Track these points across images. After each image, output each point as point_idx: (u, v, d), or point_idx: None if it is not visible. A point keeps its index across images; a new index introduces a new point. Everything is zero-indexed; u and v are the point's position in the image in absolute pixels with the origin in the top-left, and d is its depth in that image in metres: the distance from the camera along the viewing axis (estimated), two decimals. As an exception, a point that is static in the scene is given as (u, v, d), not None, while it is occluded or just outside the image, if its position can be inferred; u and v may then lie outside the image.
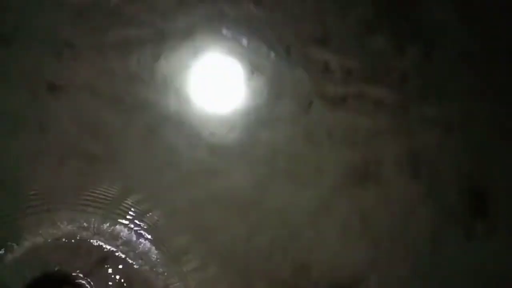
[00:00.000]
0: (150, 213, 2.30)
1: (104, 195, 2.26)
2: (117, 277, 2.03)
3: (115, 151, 2.35)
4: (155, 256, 2.18)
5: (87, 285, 1.95)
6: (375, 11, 3.03)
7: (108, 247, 2.12)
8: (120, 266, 2.07)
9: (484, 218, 2.84)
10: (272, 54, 2.73)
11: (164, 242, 2.28)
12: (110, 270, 2.04)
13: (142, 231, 2.24)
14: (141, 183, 2.35)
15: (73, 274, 1.97)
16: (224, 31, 2.67)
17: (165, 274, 2.12)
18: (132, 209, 2.30)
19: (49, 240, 2.06)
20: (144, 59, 2.52)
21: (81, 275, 1.97)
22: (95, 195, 2.24)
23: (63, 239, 2.08)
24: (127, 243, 2.15)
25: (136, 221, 2.27)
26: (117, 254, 2.11)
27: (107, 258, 2.07)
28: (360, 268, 2.62)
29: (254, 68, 2.69)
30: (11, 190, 2.15)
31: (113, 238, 2.16)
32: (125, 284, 2.03)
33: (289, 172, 2.66)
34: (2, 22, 2.27)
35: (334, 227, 2.61)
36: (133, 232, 2.19)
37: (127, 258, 2.12)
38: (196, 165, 2.47)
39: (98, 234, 2.13)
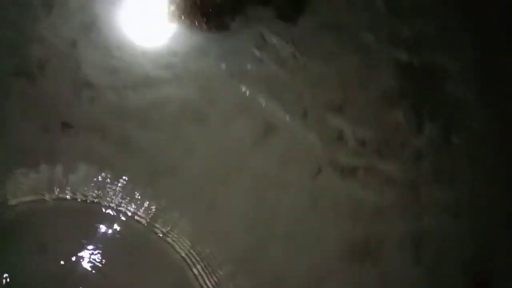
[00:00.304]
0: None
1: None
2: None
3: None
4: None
5: None
6: (397, 85, 3.01)
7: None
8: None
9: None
10: (288, 116, 2.73)
11: None
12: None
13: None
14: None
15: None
16: (243, 88, 2.68)
17: None
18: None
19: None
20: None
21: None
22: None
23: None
24: None
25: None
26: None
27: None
28: None
29: (268, 128, 2.67)
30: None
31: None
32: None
33: (288, 237, 2.60)
34: (28, 58, 2.32)
35: (326, 302, 2.53)
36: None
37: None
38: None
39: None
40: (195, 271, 2.31)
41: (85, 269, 2.13)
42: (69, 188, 2.24)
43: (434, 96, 3.11)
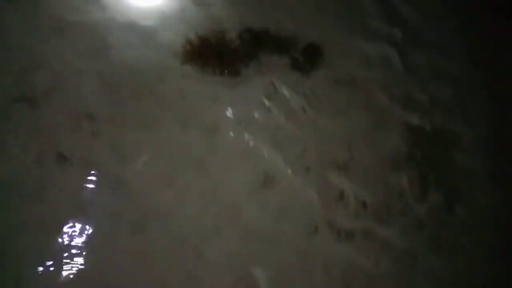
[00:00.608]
0: None
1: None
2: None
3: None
4: None
5: None
6: (405, 149, 2.92)
7: None
8: None
9: None
10: (290, 170, 2.65)
11: None
12: None
13: None
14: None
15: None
16: (248, 136, 2.62)
17: None
18: None
19: None
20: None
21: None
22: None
23: None
24: None
25: None
26: None
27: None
28: None
29: (267, 180, 2.60)
30: None
31: None
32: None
33: (274, 296, 2.50)
34: (33, 84, 2.27)
35: None
36: None
37: None
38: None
39: None
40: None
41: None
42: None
43: (442, 164, 3.03)
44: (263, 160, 2.60)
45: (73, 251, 2.14)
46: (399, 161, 2.86)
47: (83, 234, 2.18)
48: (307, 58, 2.84)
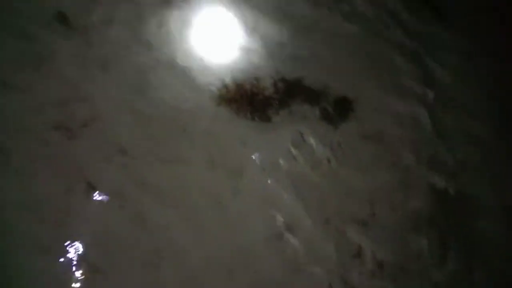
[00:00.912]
0: None
1: None
2: None
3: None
4: None
5: None
6: (428, 211, 2.87)
7: None
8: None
9: None
10: (309, 220, 2.65)
11: None
12: None
13: None
14: None
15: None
16: (271, 182, 2.64)
17: None
18: None
19: None
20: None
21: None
22: None
23: None
24: None
25: None
26: None
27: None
28: None
29: (286, 228, 2.60)
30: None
31: None
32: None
33: None
34: (73, 115, 2.37)
35: None
36: None
37: None
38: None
39: None
40: None
41: None
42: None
43: (463, 229, 2.96)
44: (284, 208, 2.60)
45: (87, 278, 2.18)
46: (421, 222, 2.82)
47: (99, 263, 2.23)
48: (337, 110, 2.87)
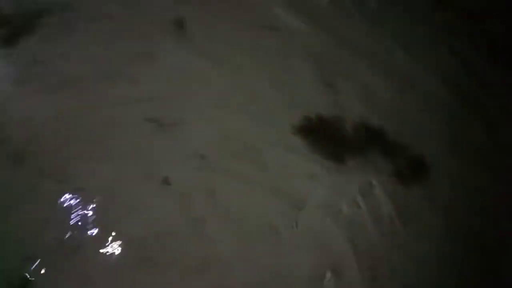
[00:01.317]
0: None
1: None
2: None
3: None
4: None
5: None
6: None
7: None
8: None
9: None
10: (357, 273, 2.58)
11: None
12: None
13: None
14: None
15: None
16: (328, 223, 2.65)
17: None
18: None
19: None
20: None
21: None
22: None
23: None
24: None
25: None
26: None
27: None
28: None
29: (332, 273, 2.56)
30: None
31: None
32: None
33: None
34: (168, 112, 2.59)
35: None
36: None
37: None
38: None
39: None
40: None
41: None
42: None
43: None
44: (335, 253, 2.59)
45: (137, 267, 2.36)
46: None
47: (155, 255, 2.40)
48: (412, 170, 2.82)
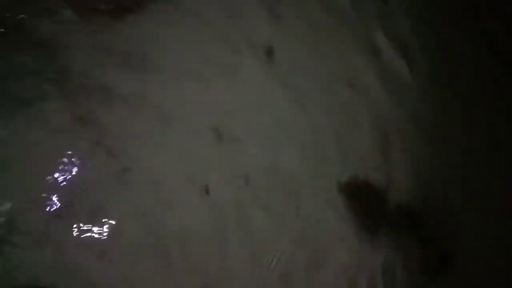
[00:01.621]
0: None
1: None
2: None
3: None
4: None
5: None
6: None
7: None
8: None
9: None
10: None
11: None
12: None
13: None
14: None
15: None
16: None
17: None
18: None
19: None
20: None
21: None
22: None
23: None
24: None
25: None
26: None
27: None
28: None
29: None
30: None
31: None
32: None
33: None
34: (227, 127, 2.66)
35: None
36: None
37: None
38: None
39: None
40: None
41: None
42: None
43: None
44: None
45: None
46: None
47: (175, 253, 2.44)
48: (439, 265, 2.76)
